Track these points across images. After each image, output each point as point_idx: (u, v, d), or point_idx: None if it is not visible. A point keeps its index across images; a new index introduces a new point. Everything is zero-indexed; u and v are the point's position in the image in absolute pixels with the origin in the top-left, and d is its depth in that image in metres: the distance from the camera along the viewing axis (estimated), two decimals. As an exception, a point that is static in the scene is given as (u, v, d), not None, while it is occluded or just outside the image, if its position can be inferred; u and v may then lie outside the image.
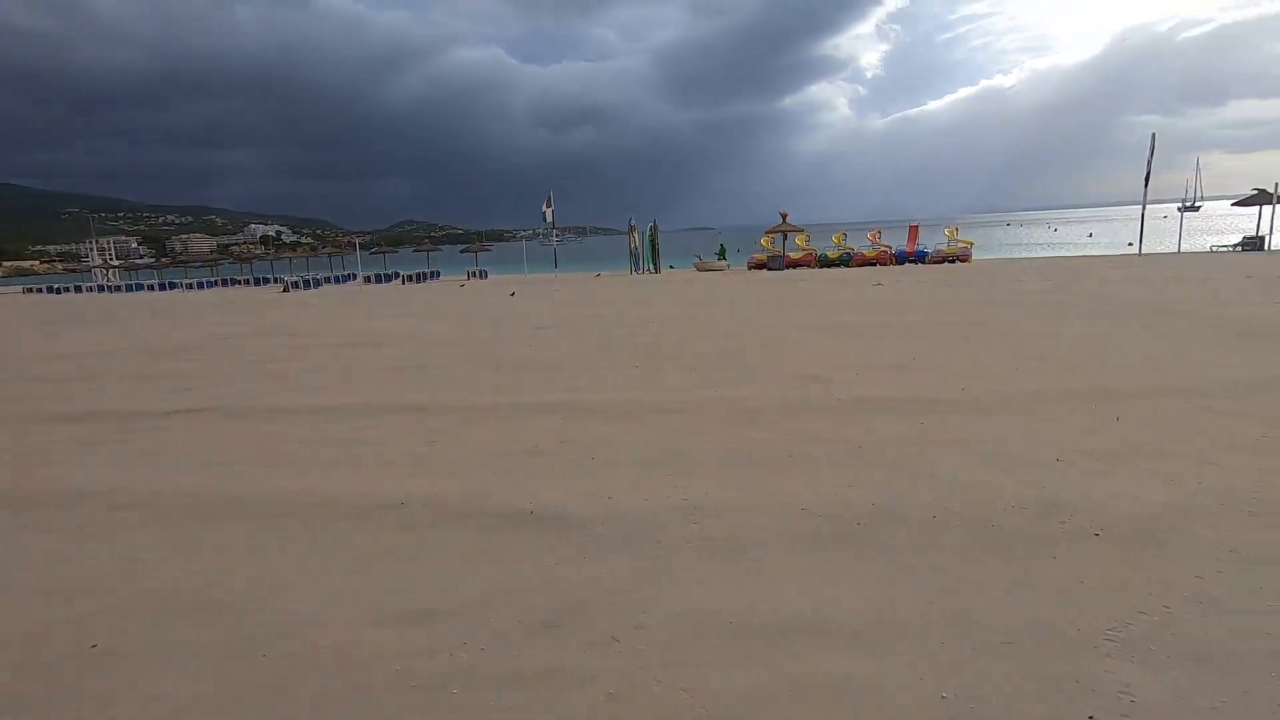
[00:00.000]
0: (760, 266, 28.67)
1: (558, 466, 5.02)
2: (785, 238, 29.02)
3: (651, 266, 31.23)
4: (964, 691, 2.42)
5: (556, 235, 36.82)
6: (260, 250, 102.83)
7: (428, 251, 39.77)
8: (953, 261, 26.80)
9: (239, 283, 38.60)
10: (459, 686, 2.58)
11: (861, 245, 29.00)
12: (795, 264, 28.24)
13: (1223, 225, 52.39)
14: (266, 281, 37.98)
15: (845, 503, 4.11)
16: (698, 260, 32.20)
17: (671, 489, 4.46)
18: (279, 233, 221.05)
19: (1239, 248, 25.03)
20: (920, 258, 27.52)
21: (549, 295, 20.95)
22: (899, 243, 28.79)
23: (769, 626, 2.88)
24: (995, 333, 9.97)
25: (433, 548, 3.78)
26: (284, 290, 30.69)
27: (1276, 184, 24.12)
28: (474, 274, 33.71)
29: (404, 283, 33.55)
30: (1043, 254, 35.26)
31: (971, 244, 28.17)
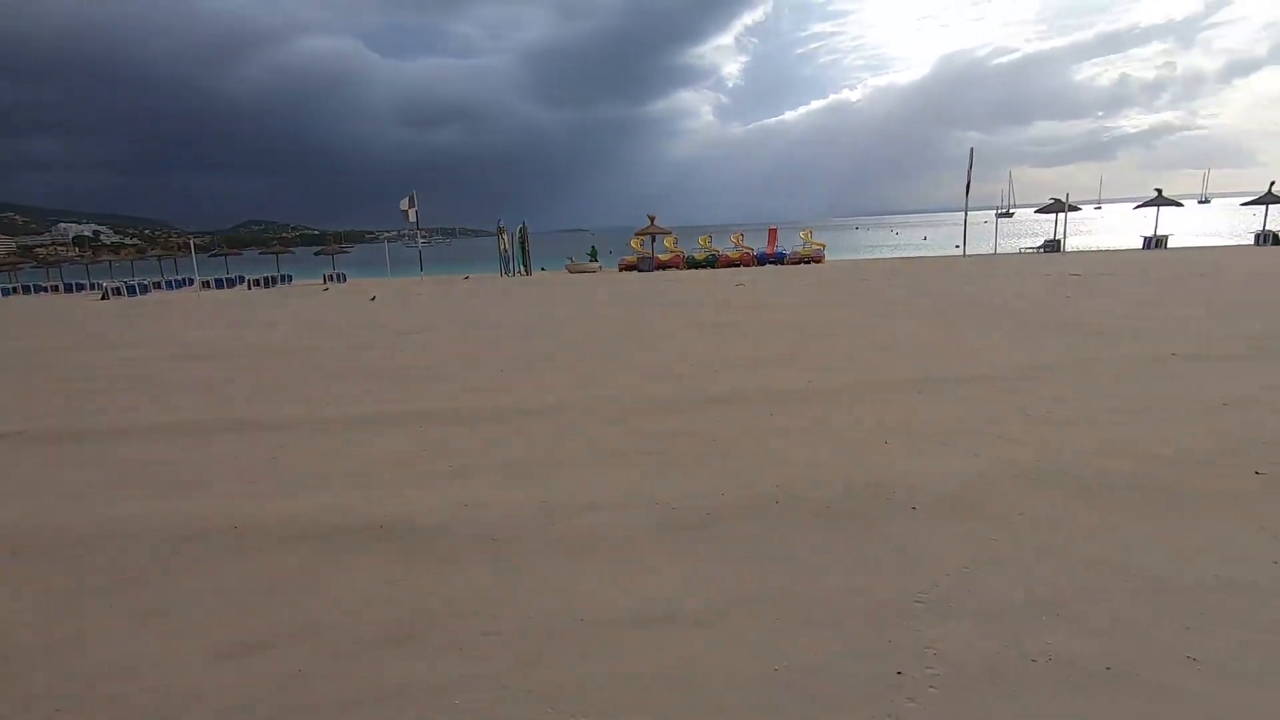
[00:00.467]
0: (631, 268, 29.15)
1: (412, 477, 4.84)
2: (654, 240, 29.68)
3: (522, 268, 30.85)
4: (794, 662, 2.60)
5: (423, 236, 35.38)
6: (74, 252, 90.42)
7: (277, 254, 36.79)
8: (808, 262, 28.63)
9: (45, 289, 33.76)
10: (293, 718, 2.42)
11: (726, 247, 30.26)
12: (664, 265, 28.98)
13: (1030, 229, 59.81)
14: (81, 288, 33.49)
15: (697, 494, 4.28)
16: (569, 262, 32.22)
17: (528, 492, 4.44)
18: (96, 232, 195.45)
19: (1041, 249, 28.75)
20: (780, 259, 29.16)
21: (413, 299, 20.09)
22: (760, 245, 30.35)
23: (619, 619, 2.95)
24: (842, 327, 10.78)
25: (267, 572, 3.52)
26: (102, 298, 27.20)
27: (1068, 195, 28.08)
28: (331, 277, 31.63)
29: (249, 288, 30.83)
30: (887, 255, 38.52)
31: (824, 246, 30.23)
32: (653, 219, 29.44)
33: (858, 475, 4.49)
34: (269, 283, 31.77)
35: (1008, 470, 4.47)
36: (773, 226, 31.95)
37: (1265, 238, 26.09)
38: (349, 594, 3.27)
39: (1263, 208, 26.71)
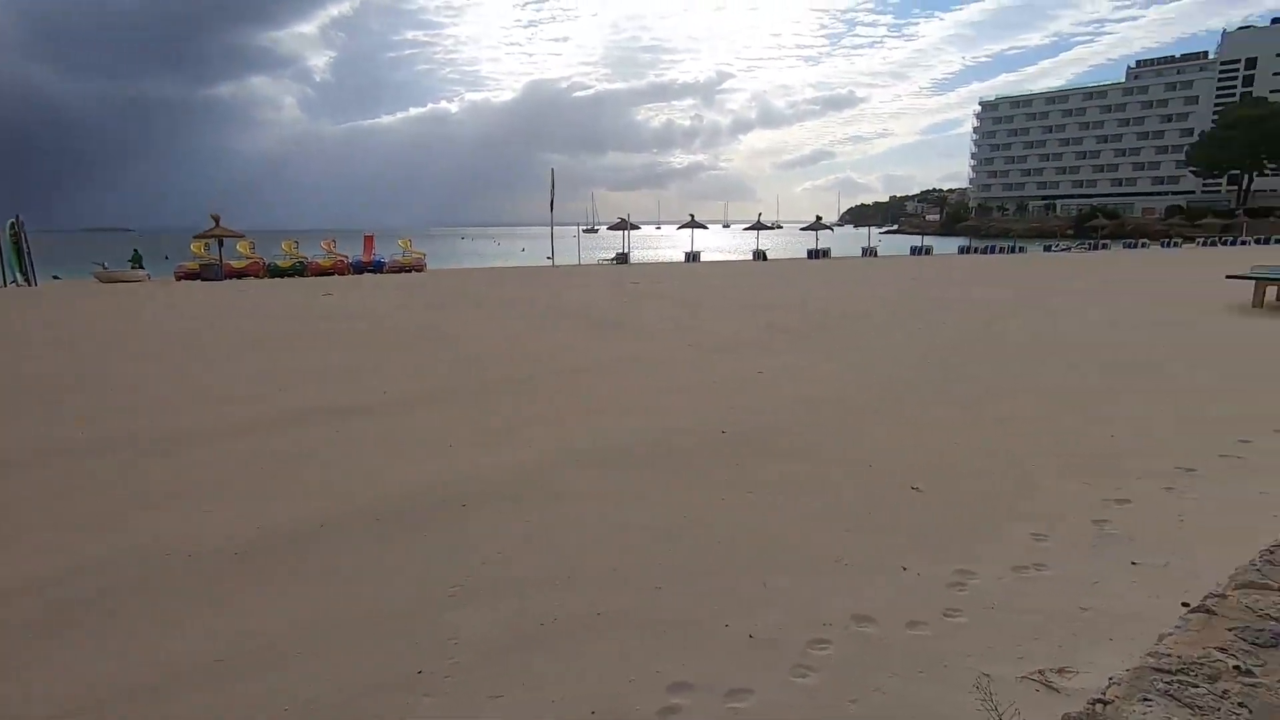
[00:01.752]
0: (192, 276, 24.45)
1: None
2: (221, 244, 25.42)
3: (20, 278, 23.18)
4: (315, 695, 2.41)
5: None
6: None
7: None
8: (409, 271, 27.98)
9: None
10: None
11: (316, 254, 27.64)
12: (239, 273, 25.06)
13: (609, 244, 69.20)
14: None
15: (276, 516, 3.72)
16: (101, 269, 25.42)
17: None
18: None
19: (615, 260, 33.45)
20: (378, 267, 27.84)
21: None
22: (355, 252, 28.53)
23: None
24: (436, 336, 10.76)
25: None
26: None
27: (628, 215, 33.37)
28: None
29: None
30: (491, 263, 40.09)
31: (423, 255, 29.94)
32: (216, 219, 25.18)
33: (427, 479, 4.48)
34: None
35: (557, 455, 4.97)
36: (368, 234, 30.40)
37: (759, 255, 34.98)
38: None
39: (755, 232, 35.75)
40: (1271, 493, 3.93)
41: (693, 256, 33.69)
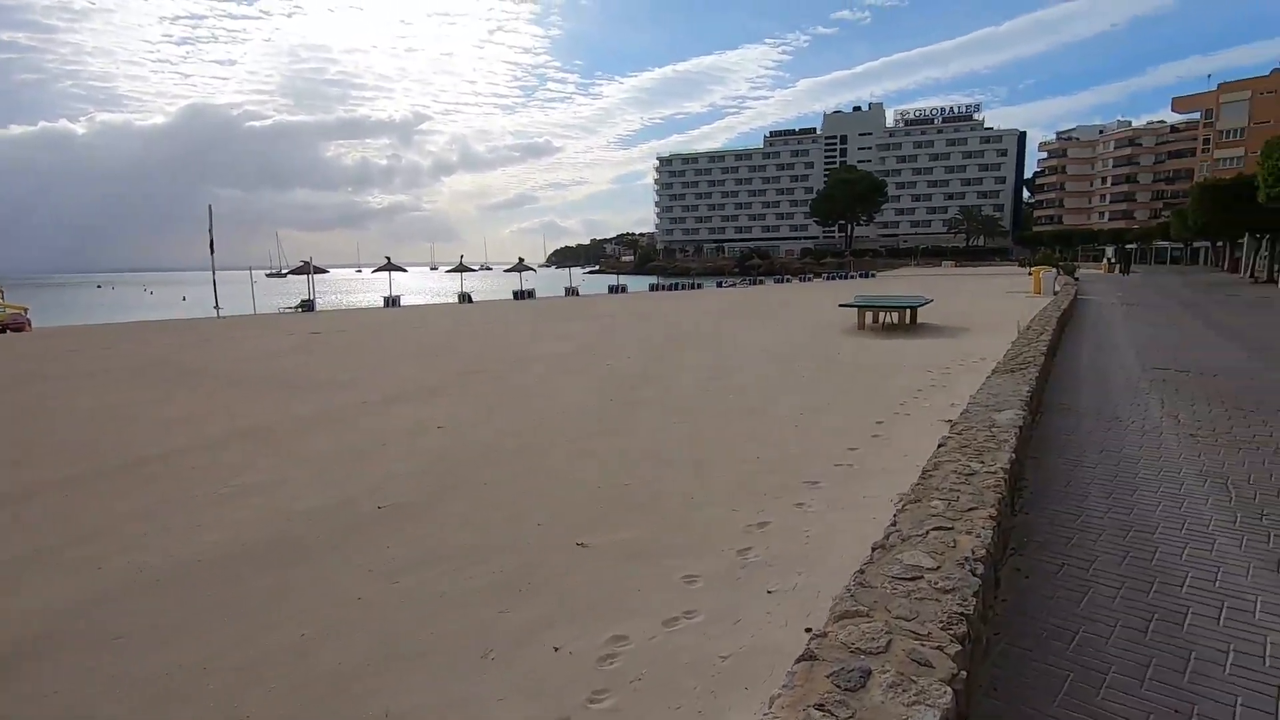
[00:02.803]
0: None
1: None
2: None
3: None
4: None
5: None
6: None
7: None
8: (2, 331, 21.35)
9: None
10: None
11: None
12: None
13: (298, 289, 61.98)
14: None
15: None
16: None
17: None
18: None
19: (299, 308, 29.72)
20: (-59, 329, 20.70)
21: None
22: (-100, 310, 20.88)
23: None
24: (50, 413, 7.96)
25: None
26: None
27: (311, 259, 30.09)
28: None
29: None
30: (138, 316, 32.67)
31: (24, 309, 23.25)
32: None
33: None
34: None
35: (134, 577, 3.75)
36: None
37: (464, 297, 34.19)
38: None
39: (459, 274, 34.94)
40: (871, 495, 4.54)
41: (392, 301, 31.58)
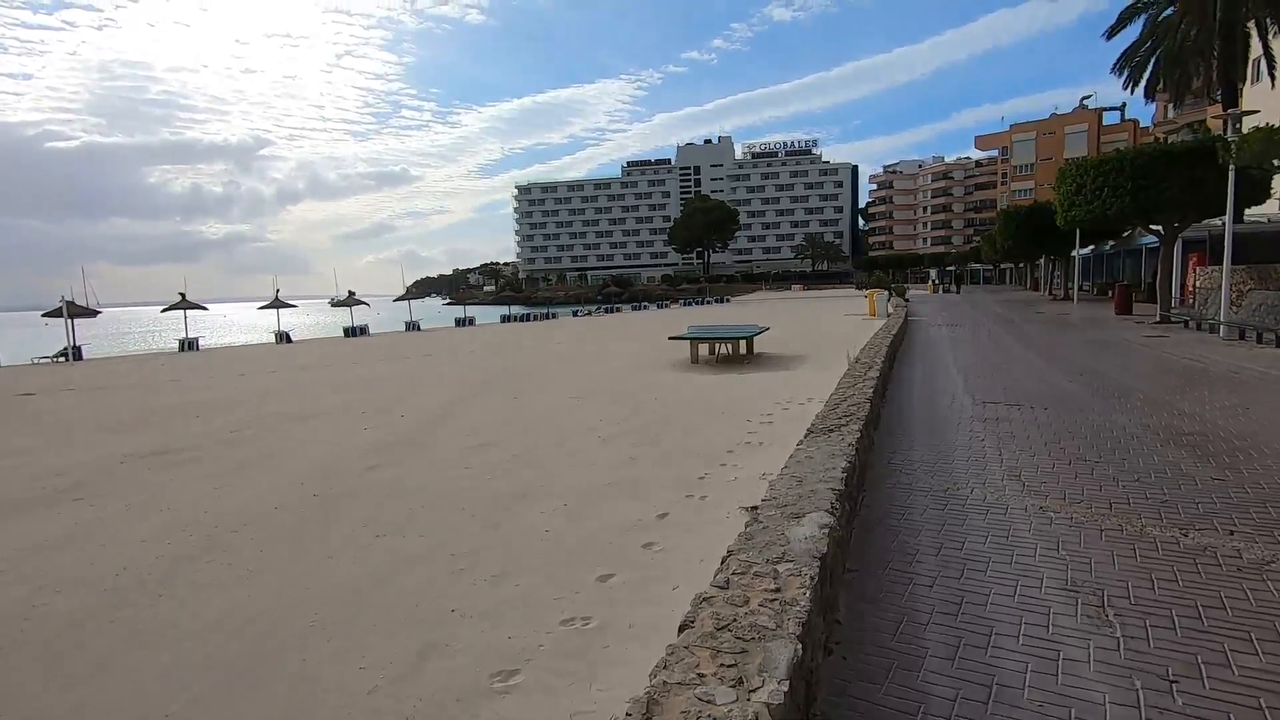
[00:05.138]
0: None
1: None
2: None
3: None
4: None
5: None
6: None
7: None
8: None
9: None
10: None
11: None
12: None
13: (109, 329, 53.41)
14: None
15: None
16: None
17: None
18: None
19: (60, 358, 24.54)
20: None
21: None
22: None
23: None
24: None
25: None
26: None
27: (69, 297, 25.04)
28: None
29: None
30: None
31: None
32: None
33: None
34: None
35: None
36: None
37: (282, 336, 30.16)
38: None
39: (275, 311, 30.83)
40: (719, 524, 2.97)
41: (188, 344, 27.07)
